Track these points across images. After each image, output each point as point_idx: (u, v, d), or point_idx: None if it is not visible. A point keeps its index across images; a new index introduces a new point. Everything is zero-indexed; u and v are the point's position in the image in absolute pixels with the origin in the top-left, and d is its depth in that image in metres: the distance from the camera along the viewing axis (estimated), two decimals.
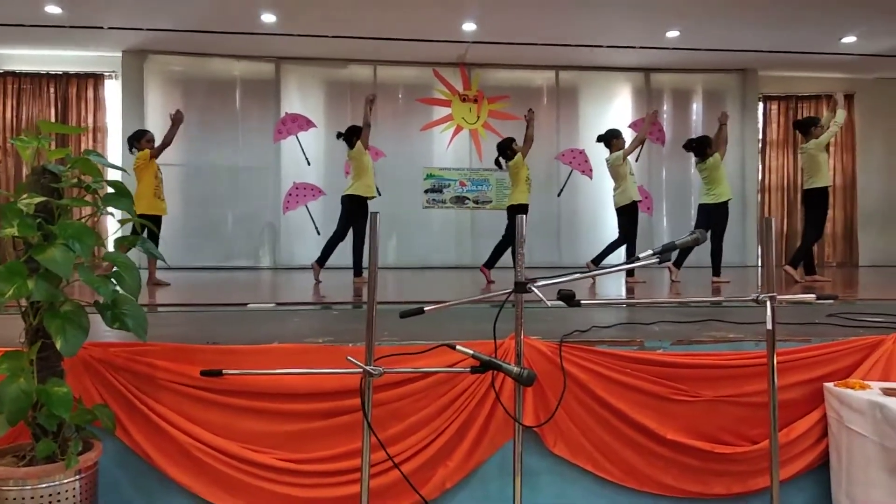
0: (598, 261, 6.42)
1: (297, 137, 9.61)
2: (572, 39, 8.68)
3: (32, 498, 1.81)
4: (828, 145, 6.49)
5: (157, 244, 5.40)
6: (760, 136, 10.61)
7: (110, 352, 2.22)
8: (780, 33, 8.53)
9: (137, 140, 6.02)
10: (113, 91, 9.40)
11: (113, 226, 7.66)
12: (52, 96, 9.32)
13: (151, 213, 5.72)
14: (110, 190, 2.07)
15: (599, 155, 7.80)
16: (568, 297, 1.89)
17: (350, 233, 6.27)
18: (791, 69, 10.11)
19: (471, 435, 2.31)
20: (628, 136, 7.58)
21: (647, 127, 7.34)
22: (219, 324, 3.24)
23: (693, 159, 6.75)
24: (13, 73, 9.22)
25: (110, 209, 2.03)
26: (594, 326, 2.73)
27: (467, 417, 2.31)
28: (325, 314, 3.81)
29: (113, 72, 9.33)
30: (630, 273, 6.30)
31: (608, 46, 8.95)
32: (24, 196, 1.88)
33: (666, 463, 2.37)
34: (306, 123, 9.64)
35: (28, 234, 1.82)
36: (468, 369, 2.03)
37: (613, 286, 5.88)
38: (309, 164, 9.61)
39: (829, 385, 2.40)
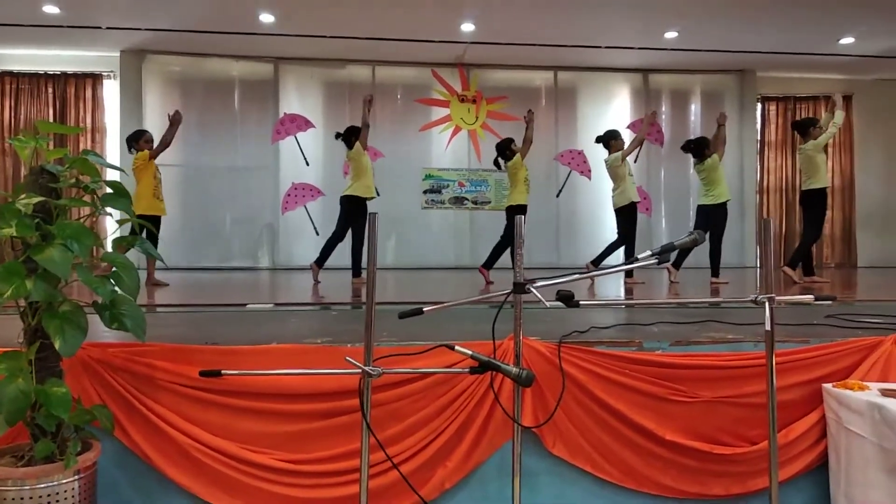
0: (597, 262, 6.42)
1: (295, 138, 9.61)
2: (571, 40, 8.69)
3: (31, 498, 1.81)
4: (826, 146, 6.50)
5: (156, 245, 5.40)
6: (759, 137, 10.63)
7: (109, 352, 2.22)
8: (778, 34, 8.55)
9: (136, 140, 6.01)
10: (111, 91, 9.40)
11: (111, 226, 7.65)
12: (51, 96, 9.31)
13: (150, 213, 5.72)
14: (109, 190, 2.07)
15: (598, 155, 7.81)
16: (567, 298, 1.89)
17: (349, 233, 6.27)
18: (789, 70, 10.13)
19: (470, 435, 2.31)
20: (627, 136, 7.59)
21: (646, 128, 7.35)
22: (218, 324, 3.24)
23: (691, 160, 6.75)
24: (11, 73, 9.21)
25: (109, 209, 2.03)
26: (593, 327, 2.73)
27: (466, 418, 2.30)
28: (323, 315, 3.81)
29: (111, 72, 9.32)
30: (629, 274, 6.30)
31: (607, 47, 8.97)
32: (23, 196, 1.88)
33: (665, 463, 2.37)
34: (305, 124, 9.64)
35: (26, 234, 1.82)
36: (467, 370, 2.03)
37: (612, 287, 5.88)
38: (308, 164, 9.62)
39: (827, 386, 2.41)
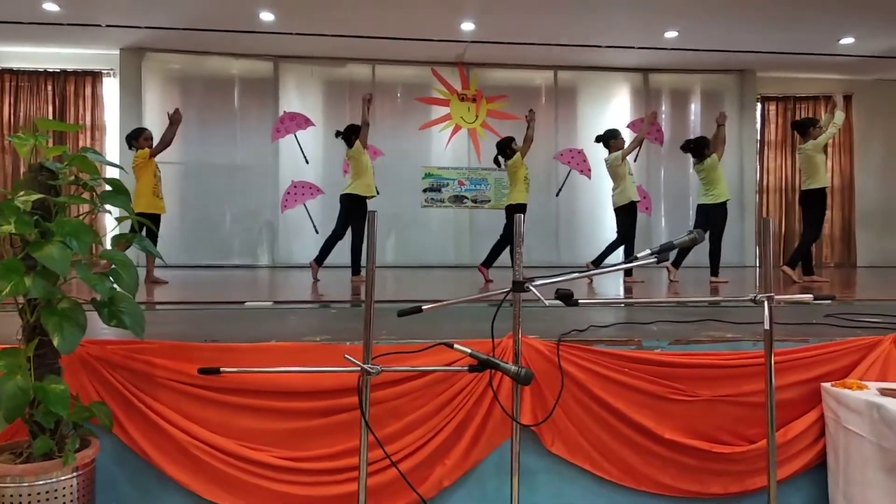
0: (598, 262, 6.42)
1: (295, 136, 9.61)
2: (571, 39, 8.69)
3: (30, 495, 1.81)
4: (826, 146, 6.50)
5: (155, 243, 5.40)
6: (759, 137, 10.63)
7: (108, 349, 2.22)
8: (778, 34, 8.54)
9: (136, 138, 6.01)
10: (111, 89, 9.39)
11: (111, 224, 7.64)
12: (50, 94, 9.31)
13: (150, 211, 5.71)
14: (108, 187, 2.06)
15: (598, 155, 7.81)
16: (566, 297, 1.89)
17: (349, 231, 6.27)
18: (789, 70, 10.13)
19: (468, 434, 2.31)
20: (627, 136, 7.59)
21: (646, 127, 7.35)
22: (217, 322, 3.24)
23: (691, 160, 6.75)
24: (11, 71, 9.21)
25: (108, 207, 2.03)
26: (592, 326, 2.73)
27: (465, 416, 2.30)
28: (323, 312, 3.81)
29: (111, 69, 9.31)
30: (628, 273, 6.31)
31: (607, 46, 8.96)
32: (22, 193, 1.88)
33: (664, 462, 2.38)
34: (305, 122, 9.63)
35: (25, 231, 1.82)
36: (466, 368, 2.03)
37: (612, 286, 5.89)
38: (307, 162, 9.61)
39: (826, 385, 2.41)
